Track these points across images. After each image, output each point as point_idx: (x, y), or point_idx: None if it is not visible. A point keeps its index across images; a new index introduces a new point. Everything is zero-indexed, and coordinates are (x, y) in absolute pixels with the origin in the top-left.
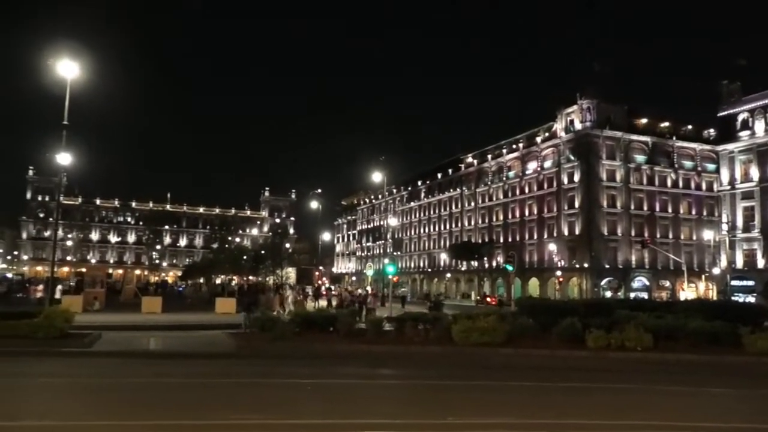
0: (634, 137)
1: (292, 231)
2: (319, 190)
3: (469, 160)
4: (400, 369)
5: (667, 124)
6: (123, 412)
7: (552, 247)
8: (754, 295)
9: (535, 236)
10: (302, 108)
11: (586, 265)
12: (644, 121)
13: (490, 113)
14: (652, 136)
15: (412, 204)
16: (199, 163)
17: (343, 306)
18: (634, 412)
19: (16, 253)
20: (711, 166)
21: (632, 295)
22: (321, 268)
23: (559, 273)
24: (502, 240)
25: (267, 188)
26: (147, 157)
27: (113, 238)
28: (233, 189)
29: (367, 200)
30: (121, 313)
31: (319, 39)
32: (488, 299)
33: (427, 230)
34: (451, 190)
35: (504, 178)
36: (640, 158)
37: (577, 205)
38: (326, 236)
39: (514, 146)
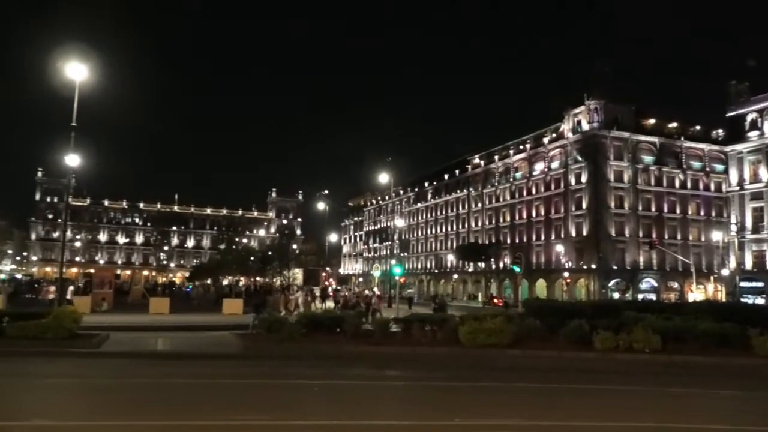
0: (642, 138)
1: (299, 232)
2: (326, 191)
3: (476, 161)
4: (407, 370)
5: (675, 124)
6: (131, 412)
7: (559, 248)
8: (764, 296)
9: (543, 237)
10: (303, 108)
11: (593, 267)
12: (652, 121)
13: (490, 113)
14: (660, 137)
15: (419, 205)
16: (205, 164)
17: (348, 307)
18: (642, 414)
19: (25, 254)
20: (719, 167)
21: (640, 296)
22: (328, 269)
23: (566, 274)
24: (509, 241)
25: (274, 189)
26: (154, 158)
27: (121, 239)
28: (240, 190)
29: (374, 201)
30: (129, 313)
31: (319, 39)
32: (495, 300)
33: (434, 231)
34: (458, 191)
35: (511, 179)
36: (648, 159)
37: (584, 206)
38: (333, 237)
39: (521, 147)
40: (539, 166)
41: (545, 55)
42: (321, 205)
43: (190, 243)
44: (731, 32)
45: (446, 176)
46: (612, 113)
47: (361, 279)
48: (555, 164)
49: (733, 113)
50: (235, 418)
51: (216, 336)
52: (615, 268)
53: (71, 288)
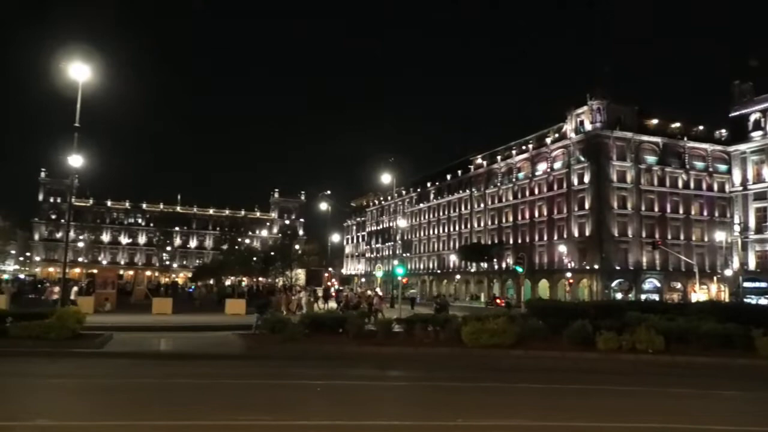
0: (645, 138)
1: (301, 232)
2: (329, 192)
3: (479, 161)
4: (409, 370)
5: (678, 124)
6: (134, 413)
7: (562, 248)
8: (767, 297)
9: (545, 237)
10: (304, 108)
11: (596, 267)
12: (655, 121)
13: (491, 113)
14: (663, 137)
15: (422, 205)
16: (207, 164)
17: (349, 307)
18: (645, 415)
19: (28, 254)
20: (723, 167)
21: (643, 296)
22: (330, 269)
23: (569, 274)
24: (511, 241)
25: (276, 190)
26: (156, 158)
27: (124, 240)
28: (242, 190)
29: (376, 201)
30: (132, 314)
31: (320, 39)
32: (498, 301)
33: (436, 232)
34: (461, 192)
35: (513, 180)
36: (650, 159)
37: (587, 206)
38: (335, 238)
39: (523, 147)
40: (542, 167)
41: (546, 55)
42: (323, 206)
43: (193, 243)
44: (734, 32)
45: (448, 176)
46: (615, 113)
47: (363, 279)
48: (558, 164)
49: (737, 113)
50: (238, 418)
51: (219, 336)
52: (618, 268)
53: (75, 288)
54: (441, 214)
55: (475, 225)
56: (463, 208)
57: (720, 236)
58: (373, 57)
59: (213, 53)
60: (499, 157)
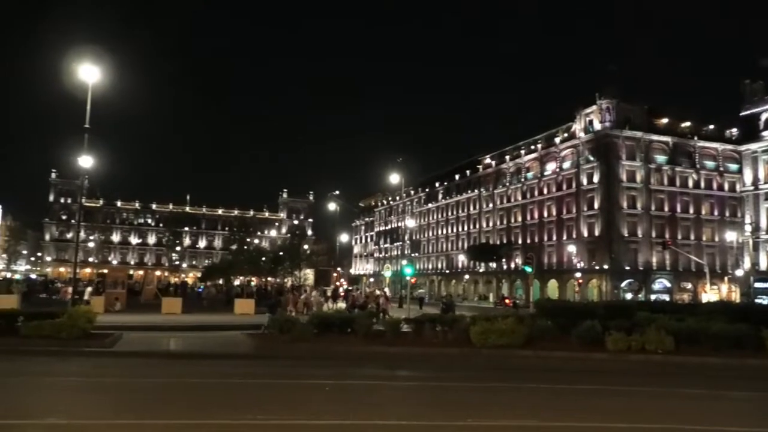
0: (655, 137)
1: (310, 232)
2: (337, 192)
3: (487, 161)
4: (418, 370)
5: (688, 123)
6: (144, 411)
7: (571, 248)
8: None
9: (554, 237)
10: (313, 108)
11: (606, 267)
12: (665, 120)
13: (500, 113)
14: (673, 136)
15: (430, 205)
16: (216, 164)
17: (356, 307)
18: (655, 416)
19: (39, 254)
20: (733, 167)
21: (653, 297)
22: (339, 269)
23: (578, 275)
24: (520, 241)
25: (285, 190)
26: (166, 159)
27: (134, 240)
28: (251, 191)
29: (385, 202)
30: (142, 313)
31: (325, 39)
32: (506, 301)
33: (444, 232)
34: (469, 192)
35: (522, 179)
36: (660, 158)
37: (596, 206)
38: (344, 238)
39: (532, 147)
40: (551, 166)
41: (546, 55)
42: (332, 206)
43: (202, 243)
44: (745, 31)
45: (457, 176)
46: (624, 113)
47: (372, 279)
48: (567, 164)
49: (747, 112)
50: (247, 417)
51: (228, 336)
52: (627, 268)
53: (89, 289)
54: (449, 214)
55: (484, 225)
56: (471, 208)
57: (731, 236)
58: (382, 56)
59: (225, 53)
60: (507, 157)
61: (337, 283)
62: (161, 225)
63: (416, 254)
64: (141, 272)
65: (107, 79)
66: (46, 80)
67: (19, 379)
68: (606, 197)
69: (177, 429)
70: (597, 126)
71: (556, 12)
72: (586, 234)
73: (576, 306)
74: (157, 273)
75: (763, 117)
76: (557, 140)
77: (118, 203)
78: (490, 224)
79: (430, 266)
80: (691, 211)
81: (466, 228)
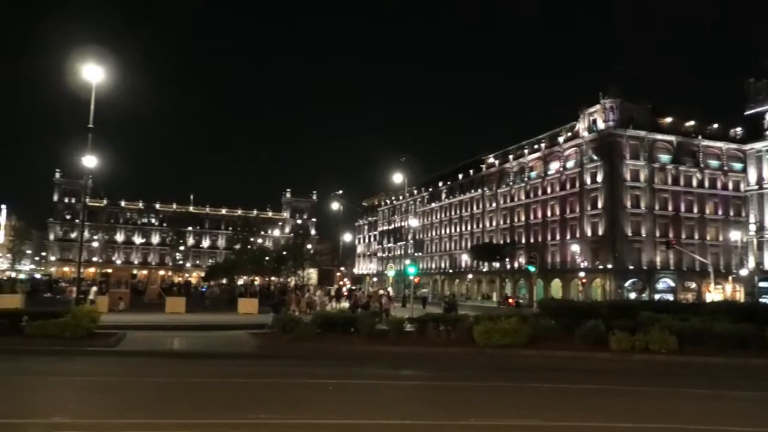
0: (659, 136)
1: (313, 232)
2: (340, 192)
3: (491, 160)
4: (421, 370)
5: (692, 123)
6: (148, 410)
7: (575, 247)
8: None
9: (558, 237)
10: (315, 108)
11: (609, 266)
12: (668, 120)
13: (503, 113)
14: (677, 136)
15: (433, 205)
16: (219, 164)
17: (358, 306)
18: (658, 415)
19: (43, 254)
20: (738, 166)
21: (657, 296)
22: (342, 268)
23: (582, 274)
24: (524, 241)
25: (288, 189)
26: (169, 158)
27: (138, 240)
28: (254, 190)
29: (388, 201)
30: (146, 313)
31: (330, 38)
32: (510, 300)
33: (448, 231)
34: (473, 191)
35: (526, 179)
36: (664, 158)
37: (600, 205)
38: (347, 237)
39: (535, 146)
40: (554, 166)
41: (557, 55)
42: (335, 205)
43: (206, 243)
44: (746, 31)
45: (460, 176)
46: (628, 112)
47: (375, 279)
48: (570, 163)
49: (752, 111)
50: (251, 416)
51: (231, 335)
52: (631, 268)
53: (95, 288)
54: (453, 213)
55: (487, 224)
56: (475, 208)
57: (735, 236)
58: (382, 56)
59: (225, 53)
60: (511, 157)
61: (341, 283)
62: (165, 225)
63: (419, 254)
64: (145, 272)
65: (110, 79)
66: (50, 80)
67: (24, 379)
68: (609, 196)
69: (181, 428)
70: (600, 125)
71: (556, 12)
72: (589, 233)
73: (579, 305)
74: (161, 272)
75: None
76: (561, 139)
77: (122, 203)
78: (494, 224)
79: (434, 266)
80: (695, 210)
81: (469, 227)
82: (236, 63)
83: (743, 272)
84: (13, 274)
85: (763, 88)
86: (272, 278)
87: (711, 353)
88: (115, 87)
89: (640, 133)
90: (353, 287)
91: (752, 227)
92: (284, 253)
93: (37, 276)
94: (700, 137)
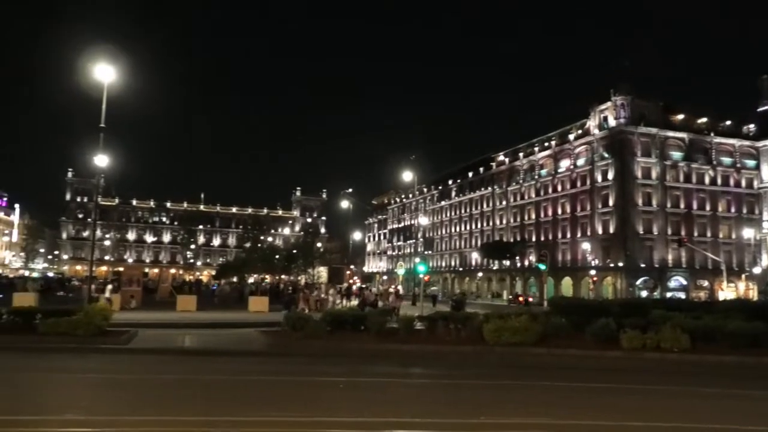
0: (670, 134)
1: (323, 230)
2: (350, 190)
3: (501, 158)
4: (431, 368)
5: (704, 119)
6: (160, 407)
7: (586, 246)
8: None
9: (569, 235)
10: (326, 107)
11: (620, 265)
12: (680, 116)
13: (514, 110)
14: (689, 133)
15: (443, 203)
16: (230, 163)
17: (366, 304)
18: (669, 414)
19: (56, 252)
20: (751, 163)
21: (669, 295)
22: (352, 267)
23: (593, 272)
24: (534, 239)
25: (298, 188)
26: (180, 157)
27: (149, 238)
28: (265, 189)
29: (398, 199)
30: (157, 311)
31: (323, 38)
32: (520, 299)
33: (458, 229)
34: (483, 189)
35: (536, 177)
36: (676, 155)
37: (611, 203)
38: (357, 235)
39: (546, 144)
40: (565, 163)
41: (557, 55)
42: (345, 204)
43: (216, 241)
44: (745, 30)
45: (470, 174)
46: (639, 109)
47: (385, 277)
48: (581, 161)
49: (765, 108)
50: (261, 413)
51: (242, 333)
52: (643, 266)
53: (110, 287)
54: (463, 211)
55: (498, 222)
56: (485, 206)
57: (748, 233)
58: (382, 56)
59: (225, 53)
60: (521, 154)
61: (350, 281)
62: (176, 223)
63: (429, 252)
64: (156, 270)
65: (122, 78)
66: (62, 80)
67: (37, 376)
68: (621, 194)
69: (192, 425)
70: (611, 122)
71: (556, 12)
72: (600, 231)
73: (590, 304)
74: (172, 271)
75: None
76: (571, 137)
77: (134, 202)
78: (504, 222)
79: (444, 264)
80: (708, 208)
81: (479, 225)
82: (236, 63)
83: (756, 270)
84: (27, 273)
85: None
86: (282, 276)
87: (724, 352)
88: (126, 87)
89: (652, 130)
90: (363, 285)
91: (765, 225)
92: (294, 251)
93: (50, 274)
94: (712, 134)
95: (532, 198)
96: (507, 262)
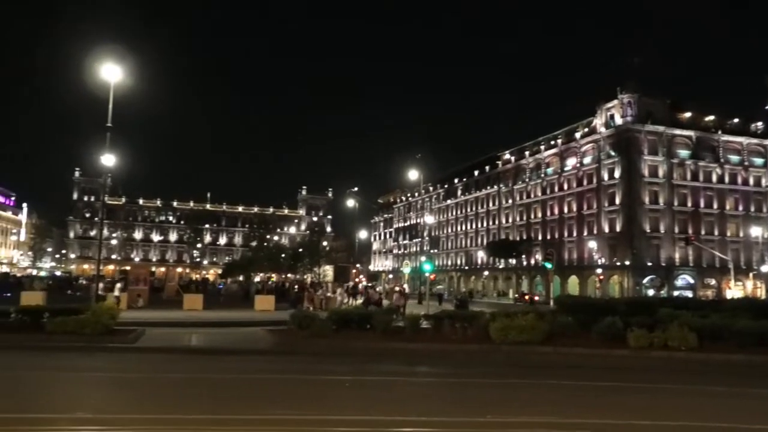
0: (677, 132)
1: (329, 229)
2: (356, 189)
3: (506, 156)
4: (437, 366)
5: (711, 117)
6: (167, 406)
7: (592, 244)
8: None
9: (575, 233)
10: (331, 107)
11: (627, 263)
12: (687, 115)
13: (520, 109)
14: (697, 131)
15: (449, 201)
16: (237, 162)
17: (370, 303)
18: (676, 413)
19: (64, 251)
20: (759, 161)
21: (676, 293)
22: (358, 265)
23: (599, 271)
24: (540, 237)
25: (304, 187)
26: (186, 157)
27: (156, 237)
28: (271, 188)
29: (404, 198)
30: (164, 310)
31: (323, 38)
32: (526, 297)
33: (464, 228)
34: (488, 188)
35: (542, 175)
36: (683, 153)
37: (617, 201)
38: (363, 234)
39: (552, 142)
40: (571, 162)
41: (558, 55)
42: (350, 203)
43: (223, 240)
44: (746, 30)
45: (476, 172)
46: (646, 107)
47: (391, 275)
48: (587, 159)
49: None
50: (268, 412)
51: (248, 332)
52: (649, 264)
53: (119, 285)
54: (469, 210)
55: (504, 221)
56: (491, 204)
57: (756, 231)
58: (382, 56)
59: (233, 52)
60: (527, 153)
61: (356, 280)
62: (182, 222)
63: (435, 250)
64: (163, 269)
65: (128, 78)
66: (69, 80)
67: (46, 374)
68: (627, 192)
69: (199, 423)
70: (618, 120)
71: (556, 12)
72: (607, 230)
73: (597, 302)
74: (179, 270)
75: None
76: (577, 135)
77: (140, 201)
78: (510, 220)
79: (449, 262)
80: (715, 206)
81: (485, 224)
82: (236, 63)
83: (764, 269)
84: (35, 272)
85: None
86: (288, 275)
87: (731, 350)
88: (133, 86)
89: (659, 129)
90: (369, 284)
91: None
92: (300, 250)
93: (58, 273)
94: (720, 132)
95: (539, 196)
96: (513, 261)
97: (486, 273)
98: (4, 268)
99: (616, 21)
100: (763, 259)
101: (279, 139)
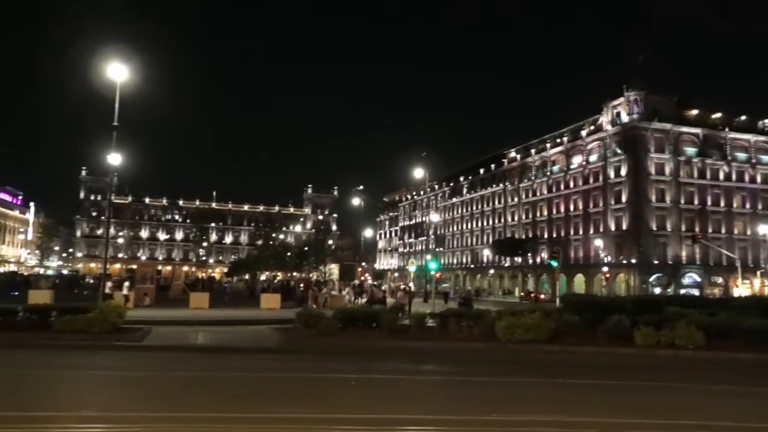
0: (684, 129)
1: (334, 227)
2: (361, 187)
3: (512, 154)
4: (443, 365)
5: (719, 115)
6: (174, 404)
7: (598, 242)
8: None
9: (581, 231)
10: (335, 105)
11: (633, 261)
12: (694, 112)
13: (525, 107)
14: (703, 128)
15: (455, 200)
16: (242, 160)
17: (374, 301)
18: (684, 412)
19: (71, 250)
20: (766, 158)
21: (682, 291)
22: (364, 264)
23: (605, 269)
24: (546, 235)
25: (310, 185)
26: (192, 155)
27: (162, 236)
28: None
29: (409, 196)
30: (170, 308)
31: (345, 38)
32: (532, 296)
33: (469, 226)
34: (494, 186)
35: (548, 173)
36: (690, 151)
37: (624, 199)
38: (368, 233)
39: (558, 140)
40: (577, 160)
41: (558, 55)
42: (356, 201)
43: (229, 239)
44: (745, 30)
45: (482, 170)
46: (652, 104)
47: (396, 274)
48: (593, 157)
49: None
50: (274, 410)
51: (254, 330)
52: (656, 262)
53: (127, 284)
54: (474, 208)
55: (509, 219)
56: (496, 202)
57: (763, 229)
58: (382, 56)
59: (233, 52)
60: (533, 151)
61: (362, 278)
62: (188, 221)
63: (441, 249)
64: (169, 268)
65: (135, 77)
66: (76, 79)
67: (53, 372)
68: (634, 190)
69: (206, 421)
70: (625, 118)
71: (556, 12)
72: (613, 228)
73: (603, 301)
74: (185, 268)
75: None
76: (584, 133)
77: (147, 200)
78: (516, 218)
79: (455, 261)
80: (722, 204)
81: (491, 222)
82: (235, 63)
83: None
84: (42, 270)
85: None
86: (294, 273)
87: (739, 349)
88: (139, 85)
89: (665, 126)
90: (374, 283)
91: None
92: (306, 248)
93: (65, 272)
94: (727, 129)
95: (544, 194)
96: (519, 259)
97: (492, 271)
98: (12, 267)
99: (616, 21)
100: None
101: (279, 139)
